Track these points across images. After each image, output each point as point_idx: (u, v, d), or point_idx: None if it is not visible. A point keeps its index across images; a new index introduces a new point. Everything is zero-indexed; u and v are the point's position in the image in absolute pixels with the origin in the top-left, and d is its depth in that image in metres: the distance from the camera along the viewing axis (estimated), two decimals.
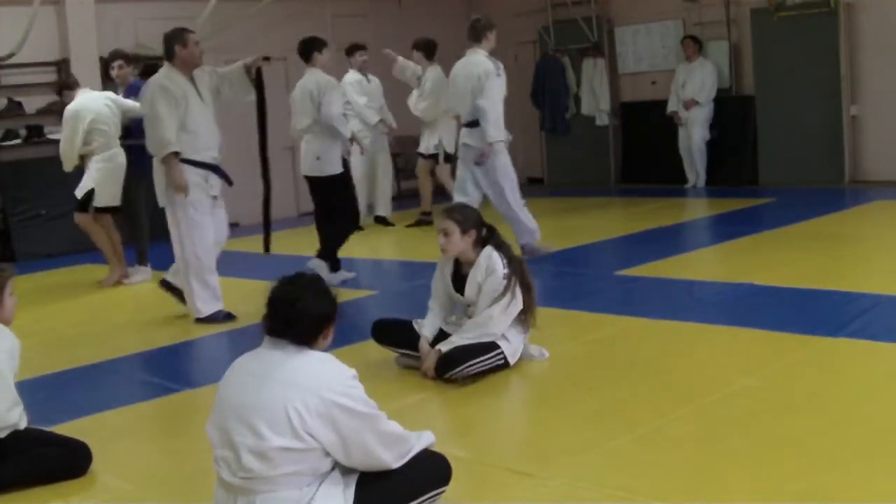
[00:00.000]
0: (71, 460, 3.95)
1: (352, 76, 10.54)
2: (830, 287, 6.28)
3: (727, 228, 8.92)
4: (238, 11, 11.44)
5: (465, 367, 4.75)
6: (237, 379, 3.03)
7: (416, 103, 10.26)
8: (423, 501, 3.12)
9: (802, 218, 9.03)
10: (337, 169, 7.61)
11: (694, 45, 11.72)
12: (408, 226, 10.37)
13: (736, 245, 8.18)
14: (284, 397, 2.87)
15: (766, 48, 11.34)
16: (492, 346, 4.85)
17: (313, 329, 3.01)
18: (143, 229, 8.52)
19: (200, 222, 6.52)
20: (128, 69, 8.47)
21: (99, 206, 8.14)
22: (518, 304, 4.89)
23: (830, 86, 10.93)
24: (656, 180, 12.06)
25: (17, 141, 10.20)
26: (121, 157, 8.15)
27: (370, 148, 10.42)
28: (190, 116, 6.47)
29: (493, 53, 8.06)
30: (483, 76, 7.73)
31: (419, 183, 10.76)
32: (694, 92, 11.66)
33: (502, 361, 4.88)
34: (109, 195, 8.16)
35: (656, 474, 3.59)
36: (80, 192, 8.15)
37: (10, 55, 9.91)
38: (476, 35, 7.94)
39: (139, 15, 11.12)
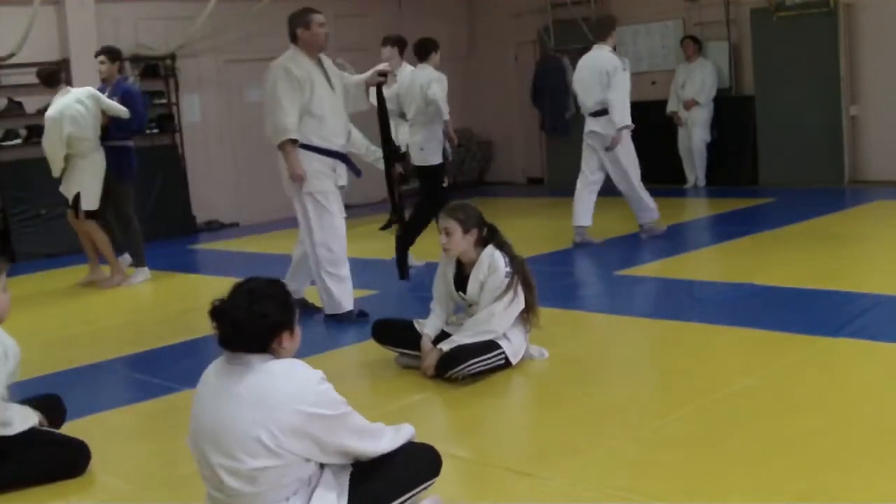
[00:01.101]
0: (70, 460, 3.95)
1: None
2: (830, 287, 6.28)
3: (727, 228, 8.92)
4: (238, 11, 11.44)
5: (465, 365, 4.75)
6: (206, 398, 2.96)
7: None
8: (416, 493, 3.14)
9: (802, 218, 9.03)
10: (438, 159, 8.01)
11: (694, 45, 11.72)
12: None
13: (736, 245, 8.18)
14: (254, 419, 2.80)
15: (765, 48, 11.34)
16: (493, 346, 4.85)
17: (257, 340, 2.90)
18: (135, 231, 8.40)
19: (330, 212, 6.25)
20: (113, 66, 8.30)
21: (86, 209, 8.07)
22: (520, 303, 4.89)
23: (830, 86, 10.93)
24: (656, 180, 12.04)
25: (17, 141, 10.21)
26: (101, 159, 8.04)
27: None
28: (315, 101, 6.17)
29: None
30: (611, 71, 8.32)
31: None
32: (694, 92, 11.66)
33: (503, 361, 4.88)
34: (94, 198, 8.09)
35: (656, 474, 3.59)
36: (68, 194, 8.13)
37: (11, 55, 9.91)
38: (603, 32, 8.57)
39: (139, 15, 11.12)
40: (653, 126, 12.30)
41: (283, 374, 2.88)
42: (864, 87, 10.92)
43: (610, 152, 8.52)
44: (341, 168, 6.40)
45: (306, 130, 6.17)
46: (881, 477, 3.40)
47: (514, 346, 4.94)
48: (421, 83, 7.88)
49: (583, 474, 3.63)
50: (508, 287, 4.84)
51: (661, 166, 12.12)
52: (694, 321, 5.69)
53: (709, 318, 5.73)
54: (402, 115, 8.38)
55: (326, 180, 6.28)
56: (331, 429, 2.90)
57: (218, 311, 2.91)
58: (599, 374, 4.93)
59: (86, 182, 8.03)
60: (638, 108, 12.71)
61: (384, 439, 3.07)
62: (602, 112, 8.43)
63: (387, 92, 6.77)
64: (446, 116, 7.96)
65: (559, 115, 13.11)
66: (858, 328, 5.27)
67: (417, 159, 8.03)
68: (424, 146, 7.95)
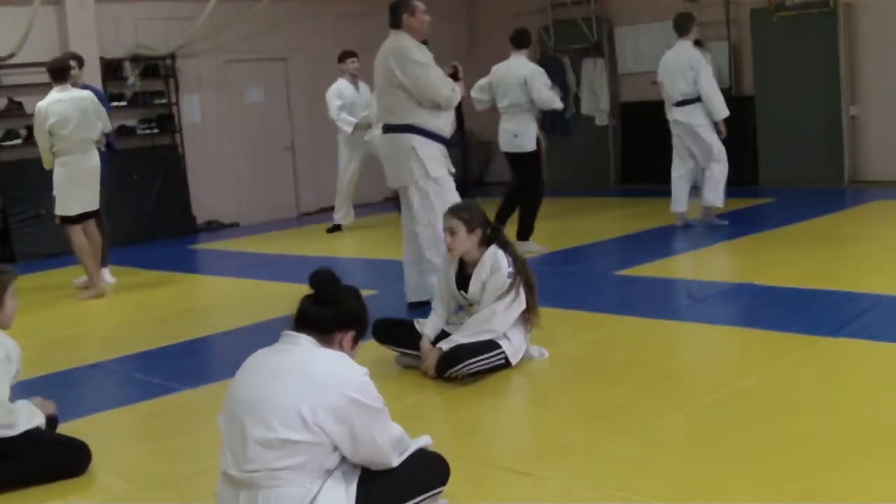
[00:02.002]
0: (70, 460, 3.95)
1: (339, 83, 10.48)
2: (830, 287, 6.28)
3: (727, 228, 8.91)
4: (238, 11, 11.44)
5: (464, 364, 4.75)
6: (252, 373, 3.04)
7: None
8: (422, 499, 3.15)
9: (802, 218, 9.03)
10: (532, 146, 8.34)
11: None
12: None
13: (736, 245, 8.18)
14: (299, 393, 2.89)
15: (765, 48, 11.34)
16: (493, 345, 4.85)
17: (339, 321, 3.06)
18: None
19: (444, 199, 6.13)
20: (81, 71, 8.24)
21: (56, 213, 7.81)
22: (521, 303, 4.90)
23: (830, 86, 10.93)
24: (656, 180, 12.05)
25: (18, 141, 10.21)
26: (83, 162, 7.71)
27: (351, 152, 10.54)
28: None
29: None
30: (695, 64, 8.76)
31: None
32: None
33: (503, 361, 4.88)
34: (63, 203, 7.75)
35: (656, 474, 3.59)
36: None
37: (11, 55, 9.91)
38: (684, 28, 8.99)
39: (139, 15, 11.12)
40: (653, 126, 12.29)
41: (332, 359, 3.01)
42: (864, 87, 10.92)
43: (696, 136, 8.93)
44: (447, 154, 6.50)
45: (425, 117, 6.23)
46: (881, 477, 3.40)
47: (515, 346, 4.94)
48: (518, 74, 8.32)
49: (583, 474, 3.63)
50: (510, 287, 4.85)
51: (661, 166, 12.12)
52: (694, 321, 5.69)
53: (709, 318, 5.73)
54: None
55: (443, 168, 6.35)
56: (369, 421, 2.96)
57: (328, 279, 3.11)
58: (599, 374, 4.93)
59: (56, 185, 7.73)
60: (638, 108, 12.84)
61: (401, 458, 3.12)
62: (685, 102, 8.84)
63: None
64: (560, 105, 8.61)
65: (559, 115, 13.06)
66: (858, 328, 5.26)
67: (510, 146, 8.41)
68: (518, 133, 8.34)
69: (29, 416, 3.92)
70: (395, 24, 6.41)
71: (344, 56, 10.57)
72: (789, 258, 7.37)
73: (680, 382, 4.68)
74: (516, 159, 8.48)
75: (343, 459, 3.02)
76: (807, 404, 4.20)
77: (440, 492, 3.22)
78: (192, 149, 11.64)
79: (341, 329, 3.08)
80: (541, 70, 8.53)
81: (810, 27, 10.89)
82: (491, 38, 14.18)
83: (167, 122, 11.43)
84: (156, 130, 11.30)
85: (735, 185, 11.42)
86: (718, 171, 9.00)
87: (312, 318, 3.05)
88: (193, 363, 5.78)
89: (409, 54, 6.22)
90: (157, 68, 11.33)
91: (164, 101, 11.40)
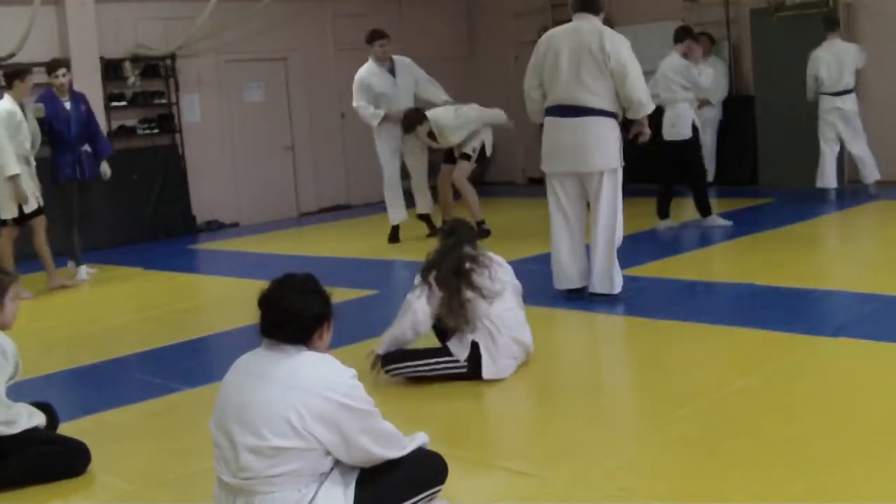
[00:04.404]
0: (70, 460, 3.95)
1: (366, 69, 9.37)
2: (830, 287, 6.28)
3: (727, 228, 8.90)
4: (238, 11, 11.44)
5: (405, 366, 4.77)
6: (237, 379, 3.04)
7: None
8: (421, 499, 3.15)
9: (802, 218, 9.03)
10: (688, 133, 8.86)
11: (710, 42, 11.34)
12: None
13: (736, 245, 8.18)
14: (285, 398, 2.87)
15: (765, 48, 11.33)
16: (439, 352, 4.80)
17: (304, 329, 3.00)
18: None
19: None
20: (56, 77, 8.42)
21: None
22: (433, 299, 4.75)
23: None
24: (657, 180, 12.05)
25: None
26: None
27: (388, 140, 9.42)
28: None
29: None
30: (856, 58, 9.91)
31: (446, 190, 9.42)
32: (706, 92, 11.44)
33: (456, 371, 4.76)
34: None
35: (656, 474, 3.59)
36: None
37: (11, 55, 9.91)
38: (836, 26, 10.06)
39: (139, 15, 11.13)
40: (653, 126, 12.23)
41: (319, 363, 2.99)
42: (864, 87, 10.90)
43: (849, 122, 10.00)
44: None
45: (618, 108, 6.32)
46: (881, 477, 3.40)
47: (497, 367, 4.76)
48: (674, 67, 9.00)
49: (583, 474, 3.63)
50: (424, 281, 4.79)
51: (661, 166, 12.12)
52: (694, 321, 5.69)
53: (709, 318, 5.73)
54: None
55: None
56: (358, 424, 2.94)
57: (269, 301, 3.00)
58: (599, 374, 4.93)
59: None
60: None
61: (404, 451, 3.11)
62: (845, 92, 9.92)
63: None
64: (714, 99, 9.32)
65: None
66: (858, 328, 5.26)
67: (669, 135, 8.86)
68: (675, 122, 8.82)
69: (29, 416, 3.94)
70: (594, 8, 6.49)
71: (372, 38, 9.42)
72: (789, 258, 7.37)
73: (679, 382, 4.68)
74: (676, 146, 8.87)
75: (339, 461, 3.01)
76: (807, 404, 4.20)
77: (439, 491, 3.22)
78: (192, 149, 11.64)
79: (314, 331, 3.03)
80: (688, 63, 9.07)
81: (810, 27, 10.86)
82: (491, 38, 14.21)
83: (167, 122, 11.42)
84: (156, 130, 11.29)
85: (735, 185, 11.46)
86: (867, 151, 10.13)
87: (283, 338, 3.00)
88: (193, 363, 5.78)
89: (622, 44, 6.32)
90: (157, 68, 11.33)
91: (164, 101, 11.40)
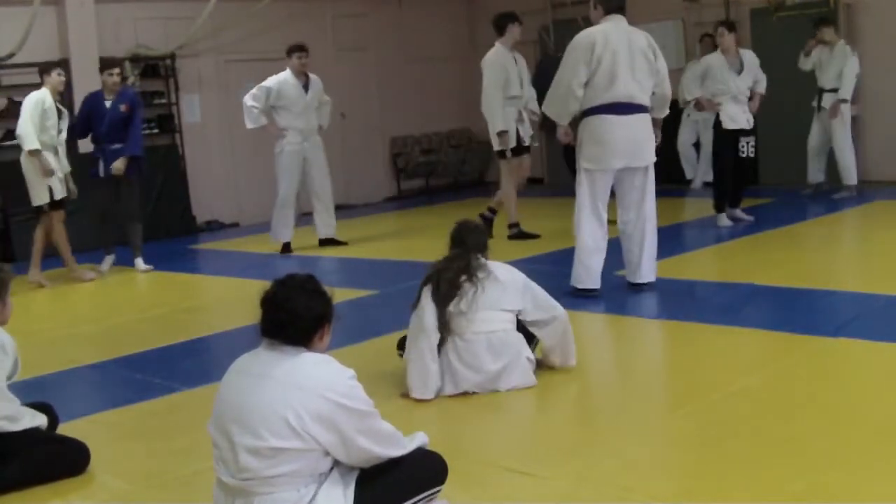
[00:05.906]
0: (70, 460, 3.95)
1: (284, 75, 9.23)
2: (830, 287, 6.28)
3: (727, 228, 8.91)
4: (238, 11, 11.44)
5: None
6: (236, 379, 3.04)
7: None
8: (421, 499, 3.15)
9: (802, 218, 9.04)
10: (728, 126, 8.98)
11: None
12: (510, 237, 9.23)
13: (736, 245, 8.18)
14: (283, 399, 2.87)
15: (766, 48, 11.32)
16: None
17: (306, 330, 3.00)
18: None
19: None
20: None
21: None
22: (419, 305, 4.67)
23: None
24: (656, 180, 12.04)
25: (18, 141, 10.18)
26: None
27: (291, 156, 9.28)
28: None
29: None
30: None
31: (508, 189, 9.23)
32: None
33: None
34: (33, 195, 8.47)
35: (656, 474, 3.59)
36: None
37: (11, 55, 9.91)
38: (823, 24, 10.24)
39: (139, 15, 11.13)
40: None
41: (318, 363, 2.98)
42: (865, 87, 10.91)
43: (835, 118, 10.17)
44: None
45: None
46: (881, 477, 3.40)
47: (456, 381, 4.64)
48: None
49: (583, 474, 3.63)
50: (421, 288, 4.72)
51: (661, 166, 12.10)
52: (694, 321, 5.69)
53: (709, 318, 5.73)
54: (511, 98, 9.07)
55: None
56: (357, 424, 2.94)
57: (273, 302, 3.00)
58: (599, 374, 4.93)
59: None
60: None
61: (403, 451, 3.11)
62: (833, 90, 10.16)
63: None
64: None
65: None
66: (858, 328, 5.27)
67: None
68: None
69: (32, 415, 3.94)
70: (624, 10, 6.51)
71: (294, 49, 9.23)
72: (789, 258, 7.37)
73: (679, 382, 4.68)
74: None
75: (338, 462, 3.01)
76: (807, 404, 4.20)
77: (439, 491, 3.21)
78: (192, 149, 11.64)
79: (315, 332, 3.03)
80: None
81: (810, 27, 10.87)
82: (491, 39, 14.18)
83: (167, 121, 11.43)
84: (156, 130, 11.30)
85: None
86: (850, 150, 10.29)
87: (284, 339, 3.00)
88: (193, 363, 5.78)
89: (655, 47, 6.46)
90: (156, 68, 11.33)
91: (163, 101, 11.41)
